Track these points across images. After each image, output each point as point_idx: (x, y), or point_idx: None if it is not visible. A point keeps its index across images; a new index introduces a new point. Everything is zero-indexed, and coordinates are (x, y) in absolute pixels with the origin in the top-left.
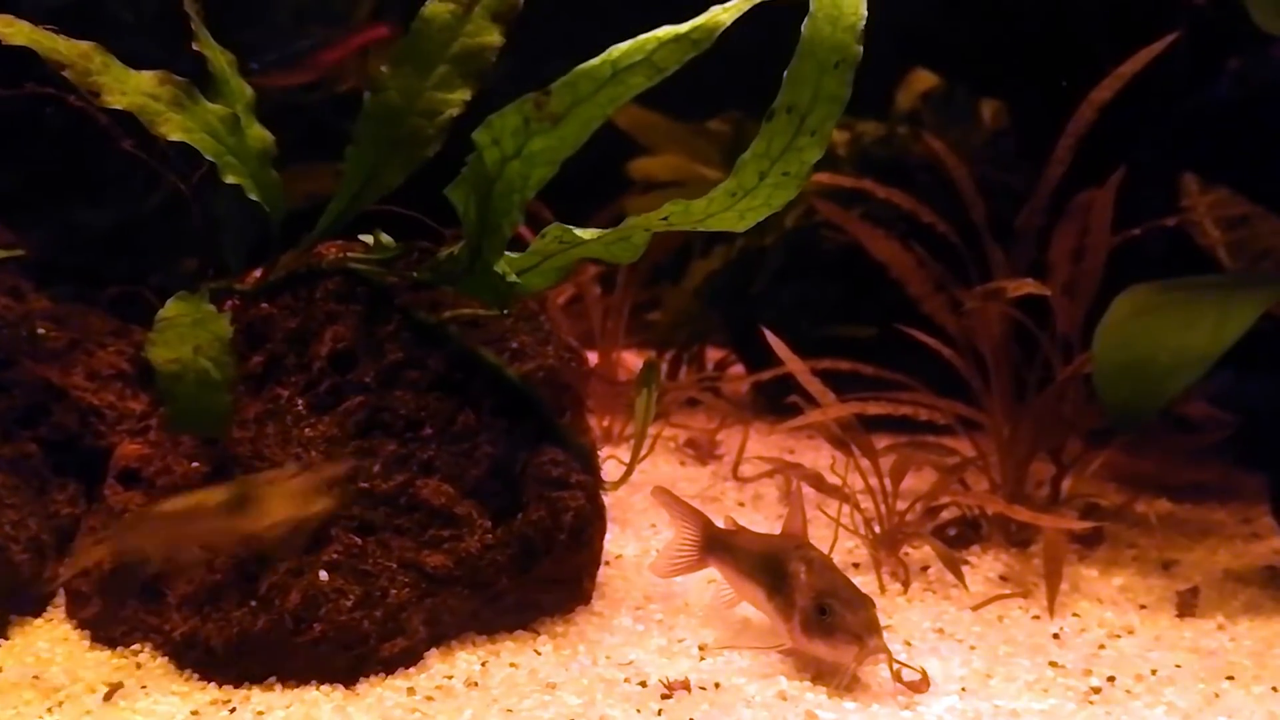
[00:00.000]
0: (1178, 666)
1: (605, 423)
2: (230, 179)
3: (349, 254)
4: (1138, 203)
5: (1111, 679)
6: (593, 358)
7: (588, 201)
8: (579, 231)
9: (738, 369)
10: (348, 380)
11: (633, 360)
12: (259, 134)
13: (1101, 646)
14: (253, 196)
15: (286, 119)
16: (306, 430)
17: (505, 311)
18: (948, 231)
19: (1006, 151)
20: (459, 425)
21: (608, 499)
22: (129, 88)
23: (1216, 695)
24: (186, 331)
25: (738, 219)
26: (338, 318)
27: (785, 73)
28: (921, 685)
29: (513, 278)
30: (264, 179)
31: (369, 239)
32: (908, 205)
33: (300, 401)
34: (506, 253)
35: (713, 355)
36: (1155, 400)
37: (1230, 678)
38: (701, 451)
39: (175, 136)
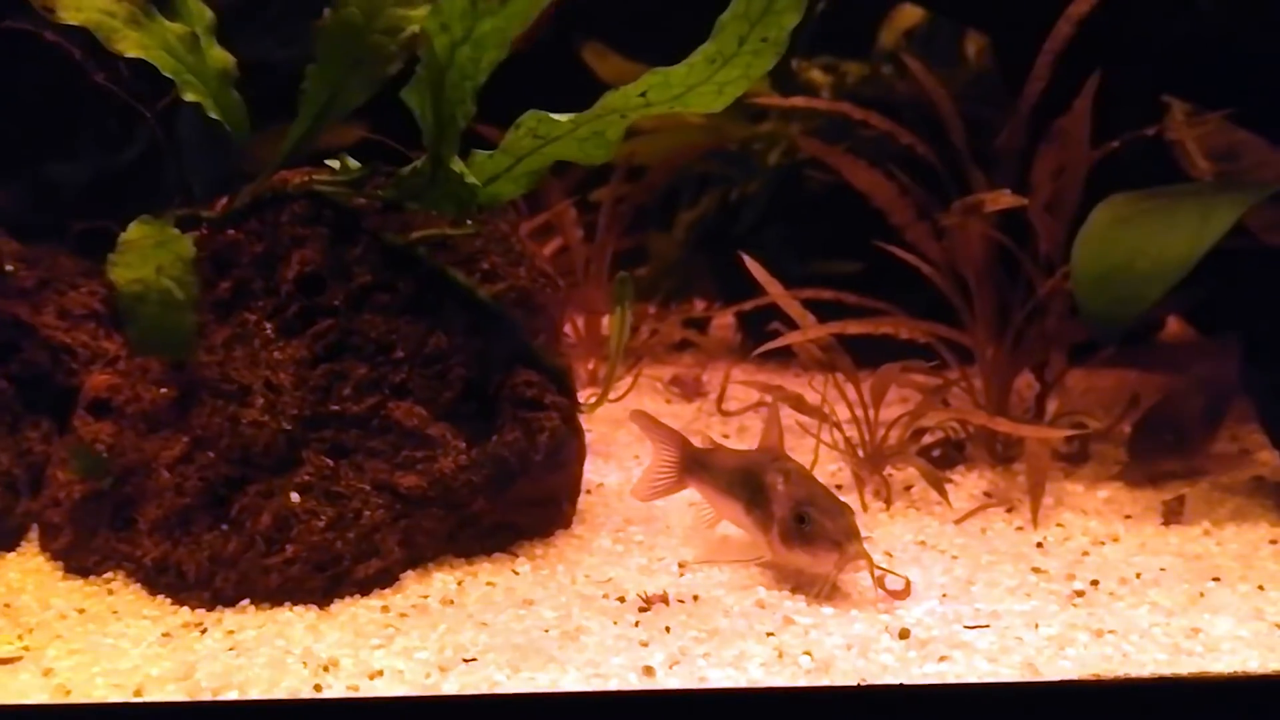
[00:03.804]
0: (1162, 570)
1: (590, 366)
2: (190, 97)
3: (314, 177)
4: (1122, 125)
5: (1095, 583)
6: (579, 305)
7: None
8: (556, 117)
9: (726, 315)
10: (316, 304)
11: None
12: (220, 55)
13: (1085, 554)
14: (213, 115)
15: (263, 77)
16: (275, 354)
17: (469, 222)
18: (926, 153)
19: (992, 89)
20: (430, 347)
21: (592, 434)
22: (84, 4)
23: (1201, 594)
24: (149, 252)
25: (716, 93)
26: (304, 241)
27: None
28: (903, 592)
29: (471, 178)
30: (225, 99)
31: (335, 163)
32: (884, 126)
33: (268, 325)
34: (478, 152)
35: (700, 305)
36: (1135, 307)
37: (1216, 579)
38: (687, 389)
39: (132, 53)
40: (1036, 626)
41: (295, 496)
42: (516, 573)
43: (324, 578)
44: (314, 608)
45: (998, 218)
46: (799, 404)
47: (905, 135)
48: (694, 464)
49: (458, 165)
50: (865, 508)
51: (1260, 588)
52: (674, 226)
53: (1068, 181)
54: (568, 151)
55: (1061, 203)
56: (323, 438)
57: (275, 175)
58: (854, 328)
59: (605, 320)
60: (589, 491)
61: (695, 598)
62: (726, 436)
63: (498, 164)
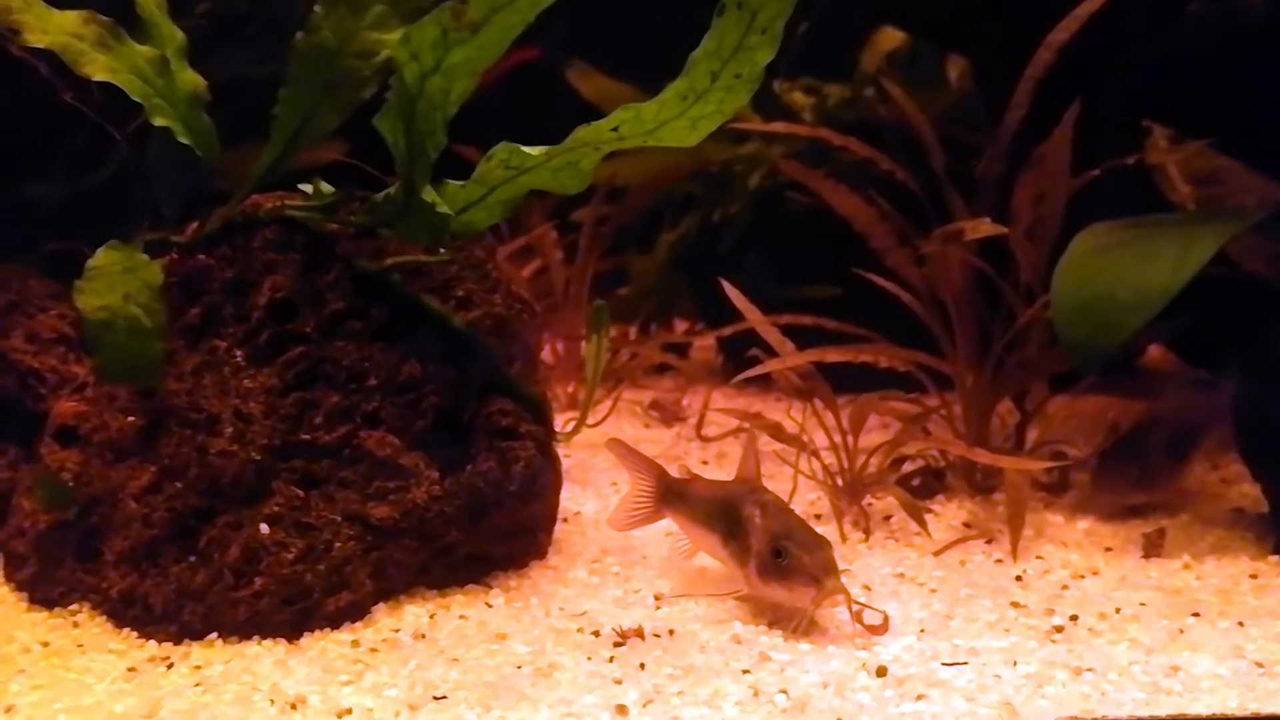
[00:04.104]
0: (1142, 605)
1: (570, 389)
2: (159, 121)
3: (287, 202)
4: (1103, 153)
5: (1074, 618)
6: (558, 328)
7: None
8: (527, 150)
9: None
10: (287, 330)
11: None
12: (190, 78)
13: (1065, 587)
14: (183, 140)
15: (242, 93)
16: (245, 382)
17: (441, 250)
18: (906, 179)
19: (973, 112)
20: (404, 375)
21: (569, 459)
22: (51, 27)
23: (1181, 631)
24: (117, 279)
25: (689, 128)
26: (276, 267)
27: None
28: (881, 627)
29: (443, 208)
30: (195, 123)
31: (309, 188)
32: (864, 153)
33: (239, 353)
34: (451, 182)
35: (681, 326)
36: (1115, 337)
37: (1196, 614)
38: (666, 414)
39: (100, 77)
40: (1015, 664)
41: (264, 528)
42: (490, 605)
43: (293, 611)
44: (283, 642)
45: (979, 244)
46: (777, 432)
47: (885, 161)
48: (671, 495)
49: (429, 195)
50: (844, 538)
51: (1240, 624)
52: (655, 248)
53: (1048, 209)
54: (541, 181)
55: (1042, 230)
56: (293, 468)
57: (247, 200)
58: (833, 355)
59: (585, 343)
60: (565, 520)
61: (671, 632)
62: (705, 463)
63: (470, 193)
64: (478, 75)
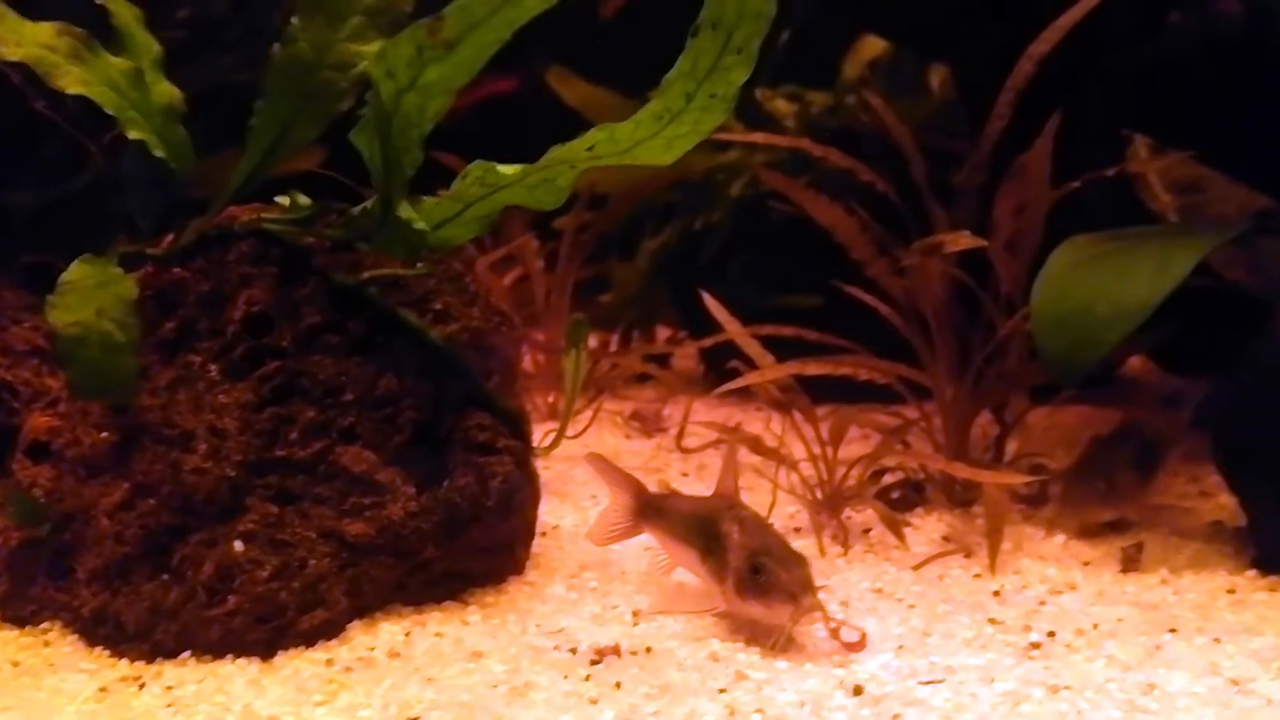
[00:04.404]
0: (1119, 620)
1: (551, 399)
2: (133, 134)
3: (263, 215)
4: (1084, 163)
5: (1052, 634)
6: (539, 338)
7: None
8: (501, 169)
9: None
10: (263, 345)
11: None
12: (165, 89)
13: (1042, 603)
14: (158, 153)
15: (222, 100)
16: (220, 397)
17: (419, 264)
18: (887, 190)
19: (956, 120)
20: (380, 390)
21: (548, 471)
22: (24, 39)
23: (1158, 647)
24: (89, 294)
25: (665, 148)
26: (252, 280)
27: None
28: (858, 644)
29: (420, 224)
30: (170, 136)
31: (285, 200)
32: (845, 164)
33: (214, 367)
34: (426, 199)
35: (663, 334)
36: (1094, 351)
37: (1173, 630)
38: (647, 424)
39: (74, 90)
40: (992, 681)
41: (239, 545)
42: (467, 623)
43: (267, 629)
44: (256, 660)
45: (959, 256)
46: (757, 446)
47: (865, 171)
48: (649, 510)
49: (406, 211)
50: (823, 552)
51: (1217, 640)
52: (637, 256)
53: (1028, 220)
54: (518, 198)
55: (1022, 242)
56: (268, 484)
57: (223, 212)
58: (813, 368)
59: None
60: (544, 534)
61: (648, 649)
62: (686, 475)
63: (447, 209)
64: (453, 93)
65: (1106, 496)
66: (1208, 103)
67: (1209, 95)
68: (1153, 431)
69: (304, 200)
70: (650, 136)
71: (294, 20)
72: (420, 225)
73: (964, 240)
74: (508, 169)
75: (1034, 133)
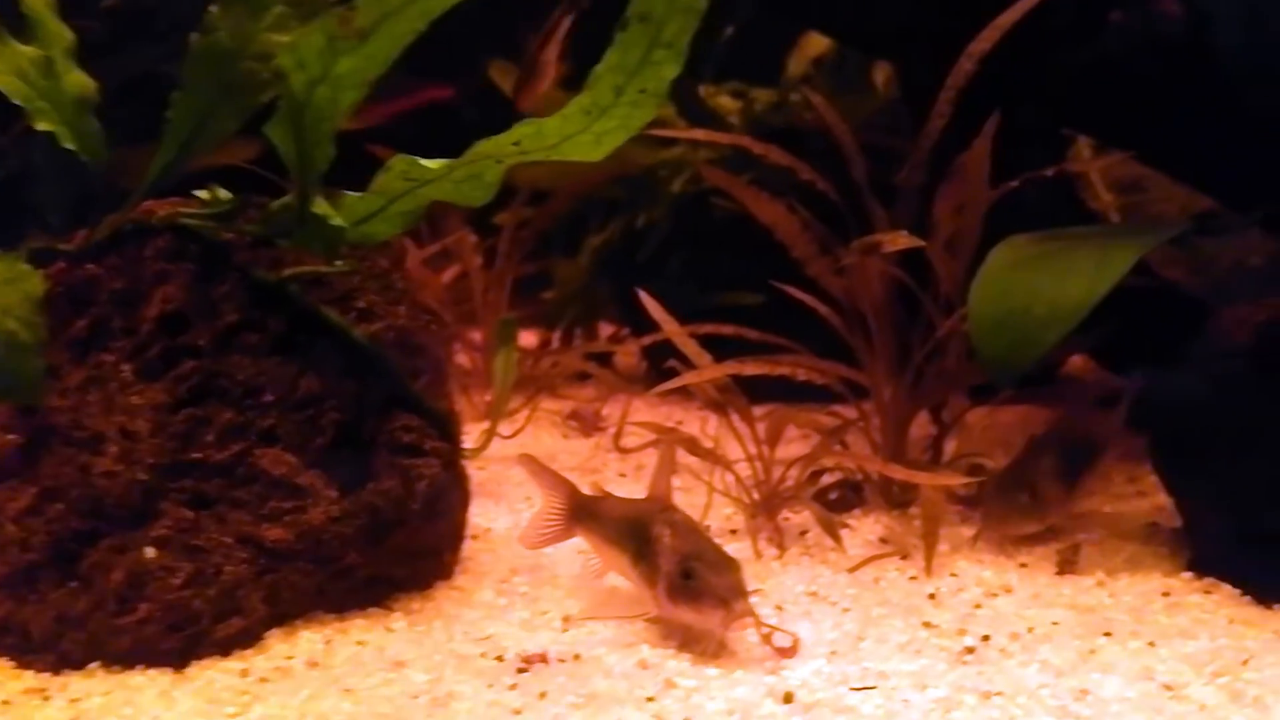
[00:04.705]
0: (1054, 624)
1: (488, 397)
2: (42, 125)
3: (181, 210)
4: (1025, 162)
5: (986, 638)
6: (477, 337)
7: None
8: (426, 163)
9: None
10: (179, 344)
11: (520, 336)
12: (78, 79)
13: (978, 606)
14: (68, 145)
15: (151, 90)
16: (133, 398)
17: (338, 262)
18: (827, 189)
19: (901, 118)
20: (302, 391)
21: (482, 473)
22: None
23: (1092, 651)
24: None
25: (594, 143)
26: (168, 277)
27: None
28: (791, 650)
29: (337, 220)
30: (81, 127)
31: (205, 194)
32: (785, 162)
33: (127, 367)
34: (349, 194)
35: (607, 331)
36: (1032, 352)
37: (1108, 634)
38: (585, 424)
39: None
40: (924, 688)
41: (151, 551)
42: (390, 630)
43: (180, 638)
44: (169, 671)
45: (899, 255)
46: (693, 447)
47: (805, 170)
48: (582, 512)
49: (321, 207)
50: (759, 555)
51: (1151, 644)
52: (580, 252)
53: (967, 220)
54: (444, 193)
55: (961, 241)
56: (183, 488)
57: (139, 207)
58: (750, 368)
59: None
60: (475, 537)
61: (576, 656)
62: (623, 475)
63: (369, 205)
64: (367, 86)
65: (1030, 509)
66: (1148, 103)
67: (1149, 95)
68: (1082, 436)
69: (224, 195)
70: (579, 132)
71: (212, 9)
72: (337, 221)
73: (901, 240)
74: (432, 163)
75: (975, 132)
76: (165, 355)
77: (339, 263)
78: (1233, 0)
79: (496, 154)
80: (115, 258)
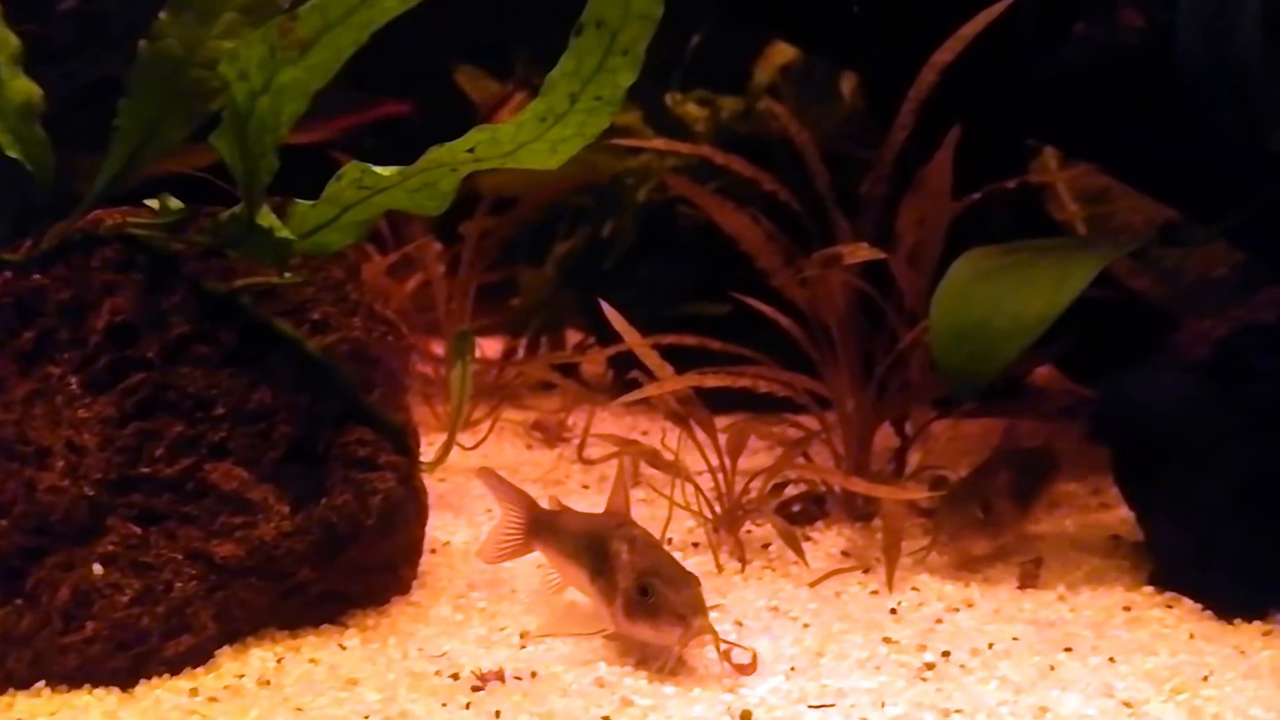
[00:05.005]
0: (1015, 639)
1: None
2: None
3: (129, 219)
4: (989, 173)
5: (946, 654)
6: (438, 347)
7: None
8: (379, 170)
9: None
10: (128, 356)
11: (485, 345)
12: (22, 86)
13: (939, 621)
14: (11, 154)
15: (106, 97)
16: (80, 411)
17: (287, 273)
18: (790, 200)
19: (868, 128)
20: (254, 404)
21: (443, 485)
22: None
23: (1052, 668)
24: None
25: (549, 151)
26: (116, 288)
27: None
28: (749, 667)
29: (282, 231)
30: (26, 135)
31: (155, 203)
32: (748, 172)
33: (74, 380)
34: (301, 202)
35: (573, 338)
36: (993, 364)
37: (1068, 649)
38: (549, 434)
39: None
40: (883, 705)
41: (98, 568)
42: (344, 647)
43: (128, 657)
44: (116, 690)
45: (862, 266)
46: (654, 459)
47: (769, 181)
48: (540, 527)
49: (267, 219)
50: (720, 569)
51: (1111, 660)
52: (546, 261)
53: (929, 232)
54: (398, 202)
55: (923, 253)
56: (131, 503)
57: (87, 216)
58: (712, 380)
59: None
60: (434, 551)
61: (533, 674)
62: (586, 487)
63: (321, 214)
64: (309, 97)
65: (982, 525)
66: (1111, 113)
67: (1112, 106)
68: (1038, 451)
69: (174, 204)
70: (534, 139)
71: (162, 15)
72: (283, 233)
73: (862, 252)
74: (385, 170)
75: (939, 142)
76: (113, 367)
77: (288, 274)
78: (1193, 11)
79: (451, 161)
80: (62, 268)
